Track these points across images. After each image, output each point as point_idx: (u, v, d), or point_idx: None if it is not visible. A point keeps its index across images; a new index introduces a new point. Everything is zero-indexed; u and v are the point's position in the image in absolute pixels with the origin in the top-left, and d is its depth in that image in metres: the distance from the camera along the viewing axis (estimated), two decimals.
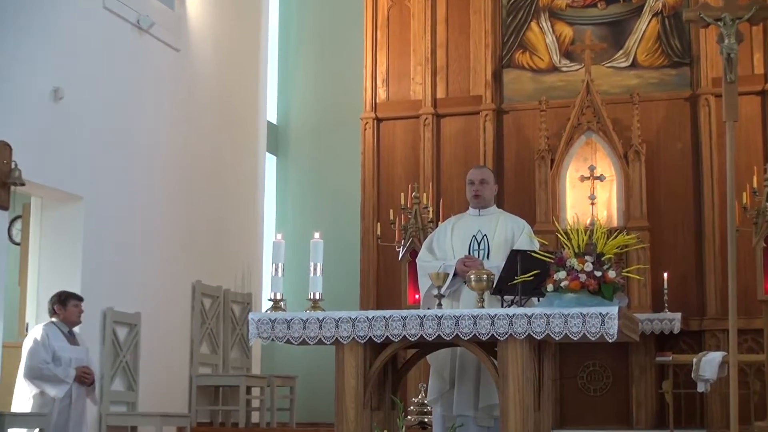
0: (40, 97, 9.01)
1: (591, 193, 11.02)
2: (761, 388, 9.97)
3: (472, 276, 5.88)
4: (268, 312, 5.93)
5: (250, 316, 5.95)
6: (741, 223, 9.62)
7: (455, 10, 12.00)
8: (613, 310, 5.41)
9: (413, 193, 10.81)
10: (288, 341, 5.84)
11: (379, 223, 11.45)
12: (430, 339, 5.65)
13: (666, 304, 10.55)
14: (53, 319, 8.24)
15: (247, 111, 12.49)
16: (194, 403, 10.81)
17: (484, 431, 6.42)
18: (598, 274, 5.52)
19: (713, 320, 10.76)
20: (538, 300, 5.89)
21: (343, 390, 5.76)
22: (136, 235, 10.17)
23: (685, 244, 11.06)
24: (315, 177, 13.41)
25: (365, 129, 12.05)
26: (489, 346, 5.71)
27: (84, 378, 8.15)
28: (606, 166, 11.12)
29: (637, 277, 9.89)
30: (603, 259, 5.59)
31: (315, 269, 5.99)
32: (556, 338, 5.51)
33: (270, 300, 6.00)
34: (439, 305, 5.94)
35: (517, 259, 5.90)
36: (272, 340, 5.88)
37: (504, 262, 6.13)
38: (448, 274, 6.34)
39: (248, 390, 10.98)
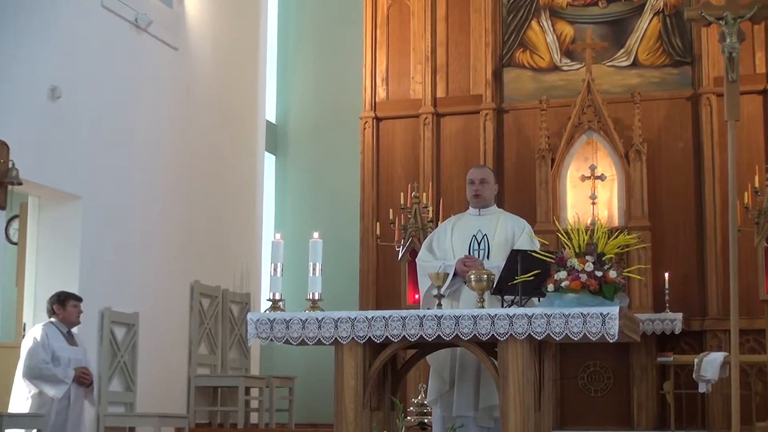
0: (38, 95, 8.99)
1: (592, 192, 11.01)
2: (763, 388, 9.99)
3: (472, 276, 5.86)
4: (267, 312, 5.92)
5: (249, 316, 5.94)
6: (742, 223, 9.67)
7: (455, 9, 11.99)
8: (614, 310, 5.39)
9: (413, 193, 10.81)
10: (287, 341, 5.83)
11: (378, 223, 11.43)
12: (430, 339, 5.64)
13: (667, 305, 10.53)
14: (52, 319, 8.23)
15: (246, 110, 12.47)
16: (192, 403, 10.78)
17: None
18: (599, 274, 5.51)
19: (715, 320, 10.74)
20: (539, 300, 5.89)
21: (342, 390, 5.75)
22: (135, 234, 10.15)
23: (687, 243, 11.05)
24: (314, 176, 13.39)
25: (365, 128, 12.04)
26: (489, 347, 5.69)
27: (83, 379, 8.14)
28: (607, 165, 11.10)
29: (638, 277, 9.89)
30: (604, 259, 5.58)
31: (314, 269, 5.99)
32: (557, 338, 5.50)
33: (269, 300, 5.99)
34: (439, 305, 5.92)
35: (517, 259, 5.88)
36: (271, 340, 5.86)
37: (504, 262, 6.12)
38: (448, 274, 6.33)
39: (247, 390, 10.96)
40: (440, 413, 6.56)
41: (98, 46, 9.77)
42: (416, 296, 9.83)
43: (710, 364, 9.24)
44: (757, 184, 10.02)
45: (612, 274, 5.53)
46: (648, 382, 10.35)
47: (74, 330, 8.35)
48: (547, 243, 6.90)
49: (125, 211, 10.04)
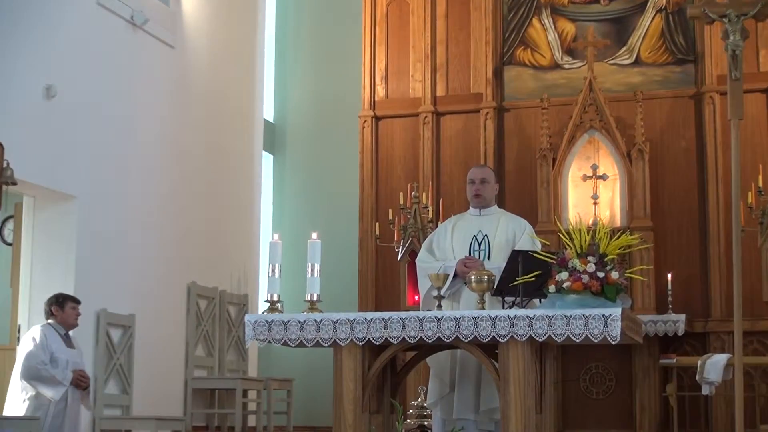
0: (33, 94, 8.94)
1: (594, 192, 10.97)
2: (767, 391, 9.93)
3: (472, 277, 5.85)
4: (265, 314, 5.93)
5: (247, 317, 5.95)
6: (746, 223, 9.68)
7: (455, 6, 11.94)
8: (616, 311, 5.39)
9: (412, 193, 10.78)
10: (285, 343, 5.84)
11: (377, 223, 11.40)
12: (430, 341, 5.63)
13: (670, 306, 10.50)
14: (50, 321, 8.22)
15: (244, 109, 12.43)
16: (189, 406, 10.74)
17: None
18: (601, 274, 5.52)
19: (718, 322, 10.69)
20: (540, 301, 5.90)
21: (341, 393, 5.74)
22: (131, 235, 10.12)
23: (690, 244, 11.01)
24: (313, 176, 13.34)
25: (364, 127, 12.00)
26: (490, 349, 5.69)
27: (80, 381, 8.14)
28: (609, 164, 11.06)
29: (641, 278, 9.87)
30: (606, 259, 5.58)
31: (312, 270, 6.01)
32: (558, 340, 5.49)
33: (267, 301, 5.99)
34: (439, 306, 5.92)
35: (518, 259, 5.88)
36: (269, 342, 5.86)
37: (505, 263, 6.11)
38: (448, 275, 6.35)
39: (245, 393, 10.91)
40: (440, 416, 6.55)
41: (94, 44, 9.72)
42: (416, 297, 9.82)
43: (713, 366, 9.22)
44: (761, 184, 10.02)
45: (614, 275, 5.53)
46: (650, 385, 10.30)
47: (71, 333, 8.34)
48: (548, 243, 6.94)
49: (121, 211, 10.00)
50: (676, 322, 10.30)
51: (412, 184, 11.04)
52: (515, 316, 5.47)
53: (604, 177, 10.99)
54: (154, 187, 10.57)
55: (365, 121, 11.99)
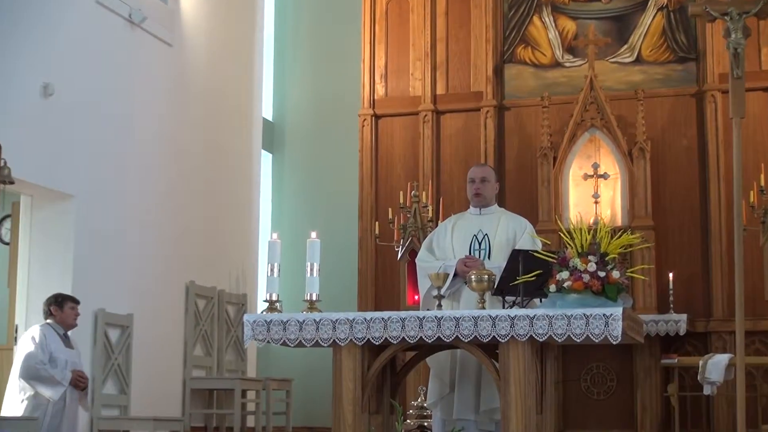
0: (30, 92, 8.91)
1: (594, 191, 10.94)
2: None
3: (472, 276, 5.83)
4: (264, 313, 5.91)
5: (245, 317, 5.94)
6: (748, 222, 9.71)
7: (455, 4, 11.93)
8: (618, 311, 5.38)
9: (412, 192, 10.77)
10: (284, 343, 5.82)
11: (377, 223, 11.39)
12: (430, 341, 5.61)
13: (671, 305, 10.49)
14: (49, 321, 8.22)
15: (243, 107, 12.41)
16: (188, 406, 10.73)
17: None
18: (602, 274, 5.50)
19: (720, 321, 10.68)
20: (541, 301, 5.89)
21: (340, 393, 5.72)
22: (129, 234, 10.09)
23: (691, 243, 11.00)
24: (312, 175, 13.32)
25: (363, 126, 11.98)
26: (490, 348, 5.67)
27: (79, 382, 8.13)
28: (610, 163, 11.05)
29: (642, 277, 9.85)
30: (607, 259, 5.57)
31: (312, 269, 5.99)
32: (559, 340, 5.48)
33: (265, 301, 5.98)
34: (439, 306, 5.90)
35: (519, 259, 5.87)
36: (268, 342, 5.85)
37: (505, 262, 6.09)
38: (448, 275, 6.33)
39: (243, 393, 10.89)
40: (440, 416, 6.54)
41: (92, 42, 9.70)
42: (416, 297, 9.80)
43: (715, 366, 9.23)
44: (762, 183, 10.04)
45: (615, 274, 5.52)
46: (652, 385, 10.30)
47: (69, 333, 8.33)
48: (549, 243, 6.90)
49: (119, 210, 9.97)
50: (677, 321, 10.31)
51: (412, 183, 11.03)
52: (516, 316, 5.45)
53: (605, 176, 10.98)
54: (153, 186, 10.54)
55: (365, 119, 11.97)
